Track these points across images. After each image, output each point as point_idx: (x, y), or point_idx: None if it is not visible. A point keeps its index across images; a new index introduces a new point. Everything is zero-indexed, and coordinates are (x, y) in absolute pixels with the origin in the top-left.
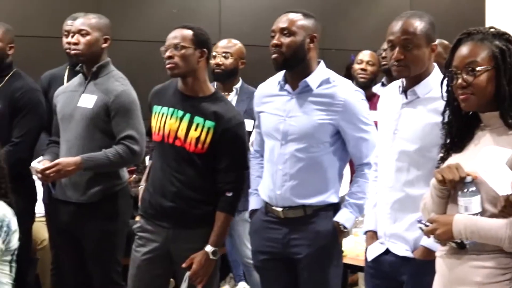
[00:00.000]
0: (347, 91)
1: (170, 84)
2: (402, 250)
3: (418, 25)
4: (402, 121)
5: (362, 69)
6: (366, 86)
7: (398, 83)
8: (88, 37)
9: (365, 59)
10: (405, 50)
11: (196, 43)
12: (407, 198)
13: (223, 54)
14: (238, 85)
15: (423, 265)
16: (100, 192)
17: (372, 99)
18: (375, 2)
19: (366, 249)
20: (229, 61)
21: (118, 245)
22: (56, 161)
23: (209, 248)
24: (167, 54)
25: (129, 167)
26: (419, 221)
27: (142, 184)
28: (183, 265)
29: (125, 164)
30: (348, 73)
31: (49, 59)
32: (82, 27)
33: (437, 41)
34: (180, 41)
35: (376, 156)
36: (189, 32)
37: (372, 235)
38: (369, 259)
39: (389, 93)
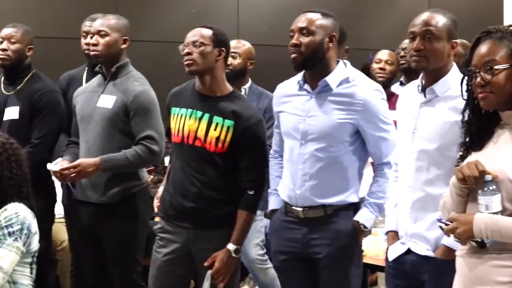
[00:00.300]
0: (366, 90)
1: (187, 86)
2: (423, 249)
3: (441, 19)
4: (421, 120)
5: (381, 69)
6: (384, 85)
7: (417, 83)
8: (107, 38)
9: (383, 59)
10: (425, 41)
11: (215, 42)
12: (427, 198)
13: (232, 54)
14: (247, 86)
15: (444, 265)
16: (119, 192)
17: (391, 98)
18: (394, 1)
19: (387, 250)
20: (238, 61)
21: (138, 246)
22: (77, 162)
23: (231, 246)
24: (186, 50)
25: (148, 168)
26: (439, 220)
27: (163, 185)
28: (205, 264)
29: (144, 165)
30: (365, 73)
31: (67, 60)
32: (101, 28)
33: (458, 41)
34: (199, 39)
35: (396, 156)
36: (208, 31)
37: (393, 236)
38: (390, 259)
39: (408, 92)
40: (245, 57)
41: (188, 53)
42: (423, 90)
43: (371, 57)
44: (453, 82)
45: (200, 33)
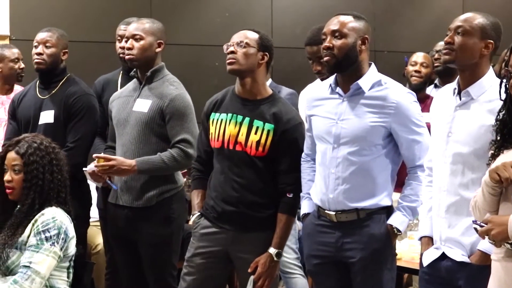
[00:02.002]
0: (399, 93)
1: (226, 92)
2: (458, 255)
3: (477, 17)
4: (456, 123)
5: (416, 71)
6: (419, 88)
7: (453, 85)
8: (142, 42)
9: (419, 61)
10: (455, 35)
11: (260, 46)
12: (462, 202)
13: None
14: (267, 84)
15: (480, 270)
16: (155, 196)
17: (425, 101)
18: (428, 3)
19: (421, 255)
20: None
21: (173, 249)
22: (113, 157)
23: (272, 250)
24: (230, 49)
25: (183, 171)
26: (474, 222)
27: None
28: (249, 270)
29: (180, 168)
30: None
31: (102, 64)
32: (136, 32)
33: None
34: (244, 40)
35: (430, 160)
36: (255, 35)
37: (428, 241)
38: (425, 264)
39: (443, 95)
40: None
41: (232, 52)
42: (459, 93)
43: (406, 59)
44: (488, 85)
45: (246, 35)
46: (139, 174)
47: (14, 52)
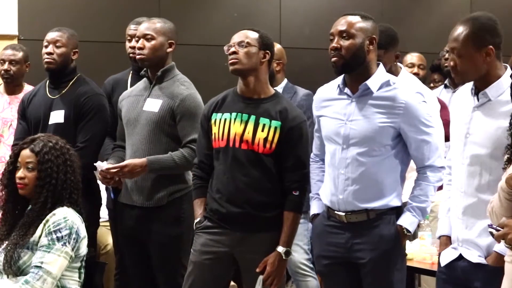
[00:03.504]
0: (408, 93)
1: (225, 94)
2: (475, 256)
3: (464, 29)
4: (474, 124)
5: (415, 73)
6: None
7: (470, 85)
8: (153, 42)
9: (415, 63)
10: (456, 57)
11: (260, 44)
12: (479, 204)
13: None
14: (282, 84)
15: (496, 272)
16: (166, 196)
17: None
18: (435, 3)
19: (439, 254)
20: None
21: (184, 249)
22: (125, 162)
23: (281, 249)
24: (231, 50)
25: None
26: (490, 226)
27: None
28: (257, 270)
29: (190, 167)
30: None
31: (112, 64)
32: (147, 31)
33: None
34: (245, 39)
35: (449, 159)
36: (255, 34)
37: (446, 240)
38: (443, 264)
39: (461, 95)
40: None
41: (234, 52)
42: (476, 93)
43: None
44: (507, 85)
45: (246, 35)
46: (150, 173)
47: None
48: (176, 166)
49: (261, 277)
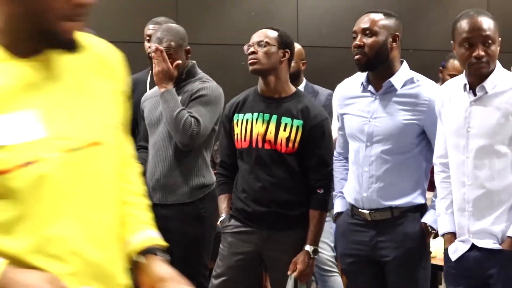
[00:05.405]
0: (432, 91)
1: (246, 94)
2: (489, 243)
3: (490, 21)
4: (474, 118)
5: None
6: None
7: (458, 82)
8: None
9: (455, 73)
10: (486, 47)
11: (280, 43)
12: (488, 194)
13: None
14: (302, 85)
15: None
16: (188, 195)
17: None
18: (452, 1)
19: (445, 251)
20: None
21: (206, 249)
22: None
23: (308, 248)
24: (251, 50)
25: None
26: None
27: None
28: (288, 273)
29: (177, 128)
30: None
31: (131, 64)
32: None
33: None
34: (264, 39)
35: (440, 156)
36: (274, 33)
37: (451, 237)
38: (454, 259)
39: (449, 94)
40: (297, 59)
41: (253, 52)
42: (471, 88)
43: (443, 64)
44: (499, 78)
45: (265, 34)
46: (161, 96)
47: None
48: (174, 115)
49: (293, 276)
